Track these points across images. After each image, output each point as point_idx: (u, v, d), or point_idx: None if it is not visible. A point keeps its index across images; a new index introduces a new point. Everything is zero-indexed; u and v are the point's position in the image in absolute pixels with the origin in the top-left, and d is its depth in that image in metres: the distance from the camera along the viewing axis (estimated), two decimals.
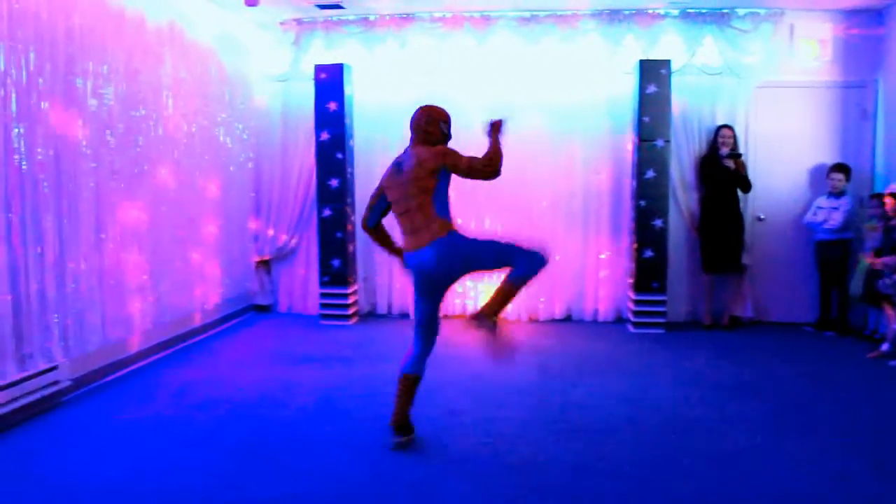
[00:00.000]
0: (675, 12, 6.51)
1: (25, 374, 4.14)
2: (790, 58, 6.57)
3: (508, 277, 3.56)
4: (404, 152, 3.78)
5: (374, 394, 4.67)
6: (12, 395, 4.02)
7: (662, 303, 6.49)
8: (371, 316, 7.25)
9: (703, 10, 6.46)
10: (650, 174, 6.39)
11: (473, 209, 6.86)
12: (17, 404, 4.04)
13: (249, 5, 5.66)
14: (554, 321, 6.99)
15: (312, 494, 3.26)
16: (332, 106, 6.68)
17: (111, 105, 4.92)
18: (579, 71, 6.75)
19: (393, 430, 3.81)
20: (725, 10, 6.45)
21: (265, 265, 7.42)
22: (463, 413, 4.31)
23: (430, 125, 3.75)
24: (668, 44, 6.58)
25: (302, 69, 6.95)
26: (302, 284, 7.38)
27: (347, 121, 6.77)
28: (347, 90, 6.75)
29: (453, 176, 3.65)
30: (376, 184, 3.90)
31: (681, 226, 6.78)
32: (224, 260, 6.65)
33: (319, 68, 6.71)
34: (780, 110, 6.68)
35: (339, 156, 6.73)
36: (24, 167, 4.11)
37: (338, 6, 6.48)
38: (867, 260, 5.85)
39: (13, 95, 4.04)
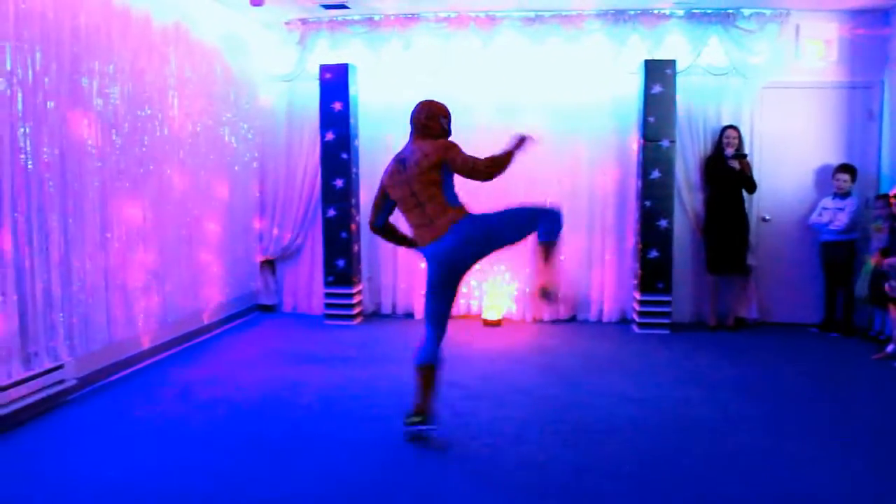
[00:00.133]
0: (681, 12, 6.50)
1: (31, 372, 4.15)
2: (796, 58, 6.55)
3: (540, 242, 3.58)
4: (405, 148, 3.79)
5: (377, 394, 4.68)
6: (18, 394, 4.03)
7: (667, 303, 6.47)
8: (375, 316, 7.26)
9: (709, 11, 6.44)
10: (655, 174, 6.38)
11: (476, 209, 6.84)
12: (22, 403, 4.05)
13: (255, 5, 5.66)
14: (558, 321, 6.99)
15: (314, 494, 3.26)
16: (337, 106, 6.69)
17: (117, 105, 4.94)
18: (584, 71, 6.74)
19: (411, 416, 3.82)
20: (731, 11, 6.43)
21: (270, 265, 7.43)
22: (464, 413, 4.30)
23: (430, 120, 3.77)
24: (673, 44, 6.56)
25: (307, 69, 6.96)
26: (306, 284, 7.39)
27: (352, 121, 6.78)
28: (352, 90, 6.75)
29: None
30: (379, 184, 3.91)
31: (686, 226, 6.76)
32: (229, 259, 6.67)
33: (324, 68, 6.72)
34: (785, 111, 6.66)
35: (344, 156, 6.73)
36: (29, 166, 4.13)
37: (343, 6, 6.49)
38: (873, 261, 5.83)
39: (19, 95, 4.05)
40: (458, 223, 3.60)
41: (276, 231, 7.31)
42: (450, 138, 3.82)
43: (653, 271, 6.44)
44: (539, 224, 3.60)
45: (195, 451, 3.75)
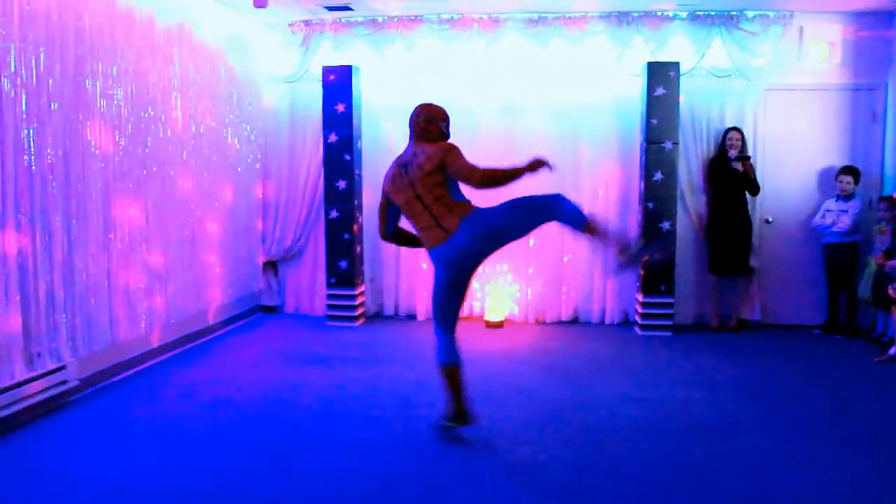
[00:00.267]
0: (684, 14, 6.50)
1: (34, 373, 4.16)
2: (799, 60, 6.54)
3: (576, 230, 3.56)
4: (405, 152, 3.78)
5: (379, 395, 4.68)
6: (20, 395, 4.04)
7: (670, 305, 6.47)
8: (378, 317, 7.26)
9: (712, 12, 6.44)
10: (658, 176, 6.38)
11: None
12: (25, 404, 4.06)
13: (258, 6, 5.67)
14: (561, 323, 6.98)
15: (316, 495, 3.27)
16: (340, 107, 6.70)
17: (120, 106, 4.95)
18: (587, 73, 6.74)
19: (447, 421, 3.85)
20: (734, 12, 6.42)
21: (272, 266, 7.44)
22: None
23: (429, 123, 3.77)
24: (676, 46, 6.56)
25: (310, 70, 6.96)
26: (309, 285, 7.40)
27: (355, 122, 6.78)
28: (355, 92, 6.76)
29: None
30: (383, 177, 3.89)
31: (689, 228, 6.76)
32: (231, 260, 6.68)
33: (327, 70, 6.73)
34: (788, 113, 6.65)
35: (347, 157, 6.74)
36: (33, 168, 4.14)
37: (346, 8, 6.50)
38: (876, 263, 5.82)
39: (23, 96, 4.07)
40: (466, 221, 3.58)
41: (278, 232, 7.32)
42: (449, 140, 3.82)
43: (655, 273, 6.43)
44: (558, 216, 3.58)
45: (196, 451, 3.76)
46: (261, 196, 7.28)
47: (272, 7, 6.01)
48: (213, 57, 6.24)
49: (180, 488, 3.32)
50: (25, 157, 4.09)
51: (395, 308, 7.31)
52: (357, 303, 6.89)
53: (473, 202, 3.71)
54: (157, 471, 3.51)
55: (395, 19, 6.74)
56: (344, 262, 6.81)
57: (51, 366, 4.30)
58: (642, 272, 6.45)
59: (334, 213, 6.79)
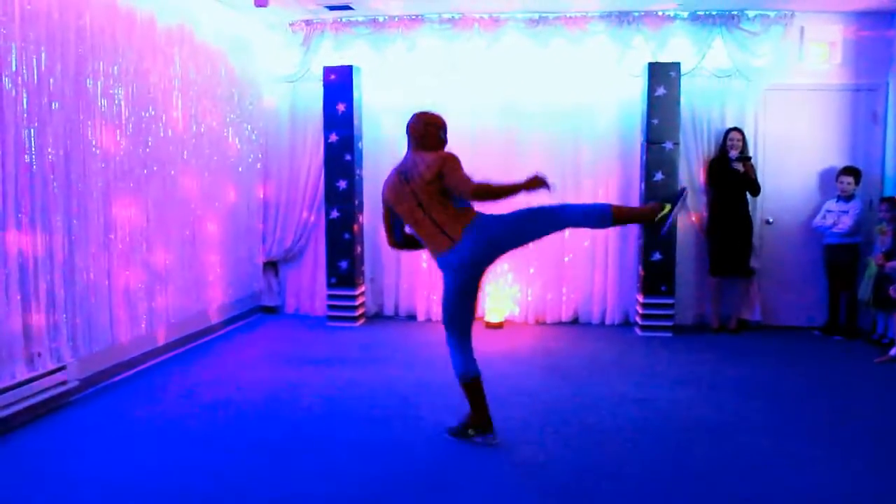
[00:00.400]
0: (685, 14, 6.50)
1: (34, 373, 4.16)
2: (800, 60, 6.54)
3: (606, 227, 3.65)
4: (404, 160, 3.77)
5: (379, 395, 4.68)
6: (21, 395, 4.04)
7: (670, 306, 6.47)
8: (378, 317, 7.26)
9: (713, 13, 6.44)
10: (659, 177, 6.37)
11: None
12: (25, 404, 4.06)
13: (259, 6, 5.67)
14: (561, 324, 6.98)
15: (316, 495, 3.27)
16: (341, 107, 6.70)
17: (121, 106, 4.95)
18: (588, 73, 6.74)
19: (471, 430, 3.83)
20: (735, 13, 6.43)
21: (273, 266, 7.44)
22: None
23: (428, 131, 3.75)
24: (677, 46, 6.56)
25: (311, 70, 6.97)
26: (309, 286, 7.40)
27: (356, 122, 6.78)
28: (356, 92, 6.76)
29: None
30: (382, 186, 3.89)
31: (689, 229, 6.76)
32: (232, 261, 6.68)
33: (328, 70, 6.73)
34: (789, 113, 6.65)
35: (348, 157, 6.74)
36: (34, 167, 4.14)
37: (347, 7, 6.50)
38: (876, 263, 5.82)
39: (24, 95, 4.07)
40: (470, 227, 3.56)
41: (279, 232, 7.32)
42: (446, 148, 3.80)
43: (656, 274, 6.43)
44: (572, 222, 3.67)
45: (197, 451, 3.76)
46: (261, 196, 7.28)
47: (273, 7, 6.02)
48: (214, 57, 6.24)
49: (180, 488, 3.32)
50: (26, 157, 4.09)
51: (395, 308, 7.31)
52: (357, 303, 6.89)
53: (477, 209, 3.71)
54: (158, 471, 3.51)
55: (396, 19, 6.74)
56: (344, 263, 6.81)
57: (51, 366, 4.30)
58: (642, 272, 6.45)
59: (335, 214, 6.79)
